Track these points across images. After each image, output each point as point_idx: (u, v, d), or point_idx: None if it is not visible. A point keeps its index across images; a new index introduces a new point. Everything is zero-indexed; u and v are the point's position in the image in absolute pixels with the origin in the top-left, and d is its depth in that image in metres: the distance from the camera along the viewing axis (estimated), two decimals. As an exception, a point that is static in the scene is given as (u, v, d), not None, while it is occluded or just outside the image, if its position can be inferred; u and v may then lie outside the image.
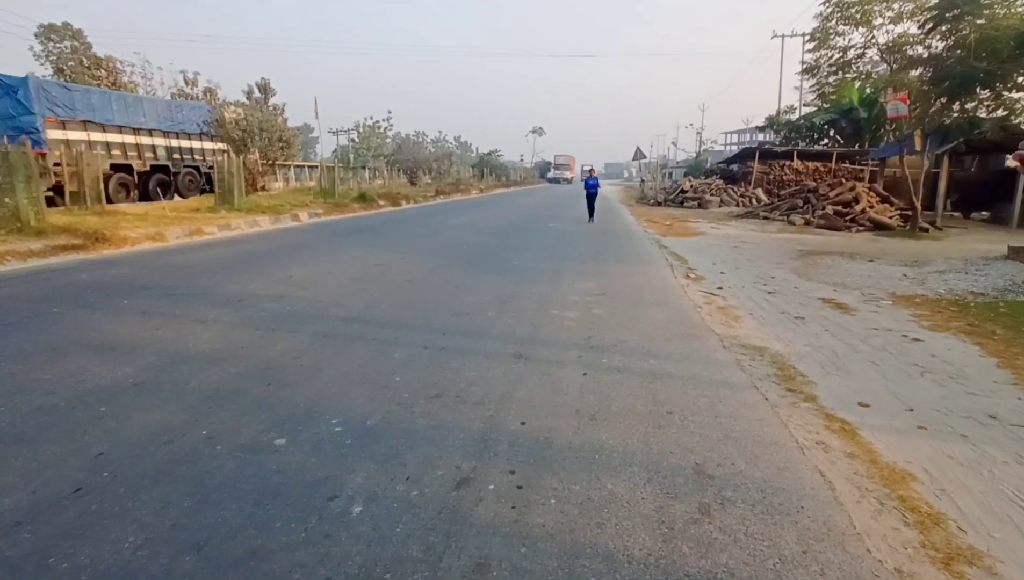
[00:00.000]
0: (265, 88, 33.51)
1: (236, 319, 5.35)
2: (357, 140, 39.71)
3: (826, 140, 31.26)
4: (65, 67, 32.03)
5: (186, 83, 34.61)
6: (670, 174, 42.48)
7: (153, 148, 18.80)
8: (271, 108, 28.34)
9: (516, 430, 3.14)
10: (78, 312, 5.50)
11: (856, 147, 27.46)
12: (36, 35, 32.95)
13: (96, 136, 16.57)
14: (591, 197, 17.14)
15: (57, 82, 19.76)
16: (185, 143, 20.26)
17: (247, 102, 35.78)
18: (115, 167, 17.15)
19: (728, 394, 3.73)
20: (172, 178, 19.47)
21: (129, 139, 17.90)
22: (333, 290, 6.72)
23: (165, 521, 2.29)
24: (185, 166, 20.22)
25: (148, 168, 18.49)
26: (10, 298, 6.06)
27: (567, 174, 76.99)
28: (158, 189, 18.04)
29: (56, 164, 14.26)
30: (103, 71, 32.63)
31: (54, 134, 15.12)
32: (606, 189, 49.39)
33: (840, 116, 28.06)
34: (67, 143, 15.10)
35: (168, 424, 3.13)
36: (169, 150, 19.47)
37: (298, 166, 36.05)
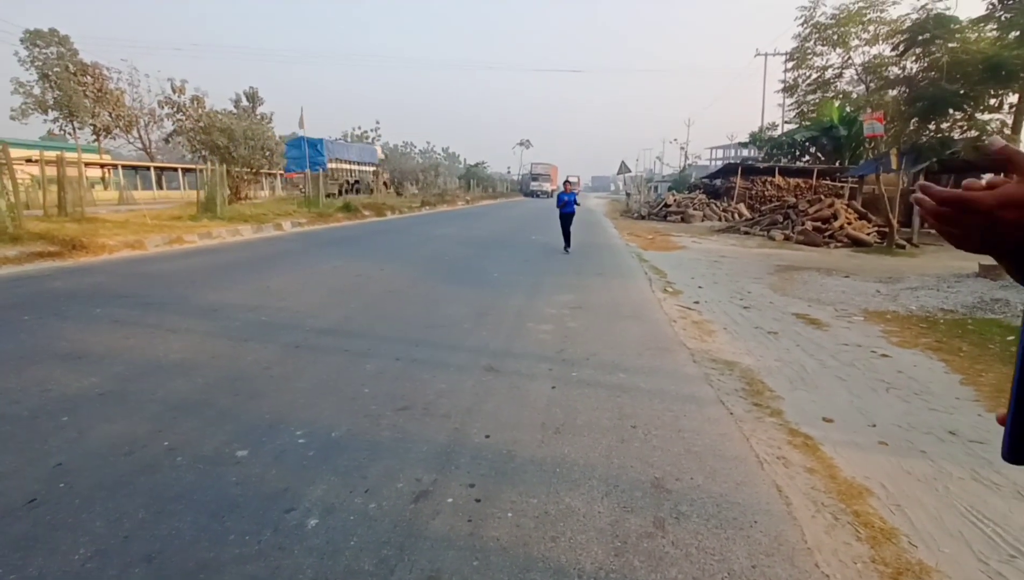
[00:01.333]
0: (253, 97, 33.47)
1: (209, 329, 5.32)
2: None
3: (807, 157, 31.84)
4: (50, 73, 31.71)
5: (173, 91, 34.46)
6: (655, 188, 42.99)
7: (355, 171, 35.60)
8: (259, 117, 28.25)
9: (480, 443, 3.16)
10: (49, 320, 5.44)
11: (836, 164, 27.99)
12: (21, 40, 32.63)
13: (343, 166, 34.02)
14: (566, 218, 12.54)
15: (331, 139, 34.45)
16: (362, 168, 36.98)
17: (234, 111, 35.66)
18: (348, 182, 33.32)
19: (694, 408, 3.77)
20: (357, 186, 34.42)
21: (350, 167, 35.33)
22: (310, 301, 6.70)
23: (118, 533, 2.27)
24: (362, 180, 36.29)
25: (355, 181, 34.58)
26: (-21, 305, 5.97)
27: (547, 186, 64.54)
28: (356, 191, 32.59)
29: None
30: (89, 77, 32.39)
31: (331, 165, 31.28)
32: (592, 202, 49.70)
33: (821, 133, 28.62)
34: (332, 171, 31.26)
35: (130, 435, 3.11)
36: (360, 172, 36.19)
37: (283, 174, 35.89)
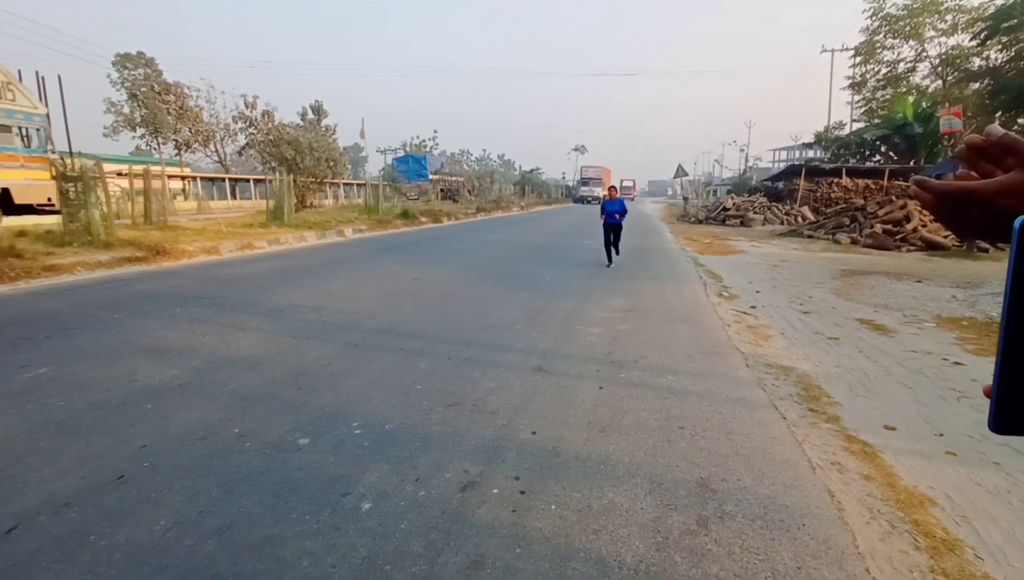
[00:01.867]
0: (318, 110, 34.97)
1: (276, 328, 5.66)
2: (405, 158, 41.01)
3: (878, 156, 30.15)
4: (138, 92, 34.35)
5: (246, 106, 36.47)
6: (714, 192, 41.77)
7: (448, 181, 40.24)
8: (323, 129, 29.56)
9: (527, 439, 3.24)
10: (136, 319, 5.94)
11: (911, 164, 26.39)
12: (113, 63, 35.52)
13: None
14: (610, 229, 10.70)
15: (430, 156, 41.30)
16: (455, 178, 41.59)
17: (301, 123, 37.42)
18: (442, 190, 37.51)
19: (744, 412, 3.72)
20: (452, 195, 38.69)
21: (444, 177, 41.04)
22: (368, 303, 6.99)
23: (194, 508, 2.50)
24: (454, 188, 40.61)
25: (449, 189, 38.94)
26: (79, 305, 6.59)
27: (598, 191, 56.66)
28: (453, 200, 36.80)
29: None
30: (172, 96, 34.84)
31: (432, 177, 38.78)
32: (647, 207, 48.78)
33: (893, 132, 27.06)
34: (434, 181, 36.83)
35: (205, 422, 3.38)
36: (452, 181, 40.42)
37: (346, 184, 37.37)
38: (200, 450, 3.04)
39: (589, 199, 58.99)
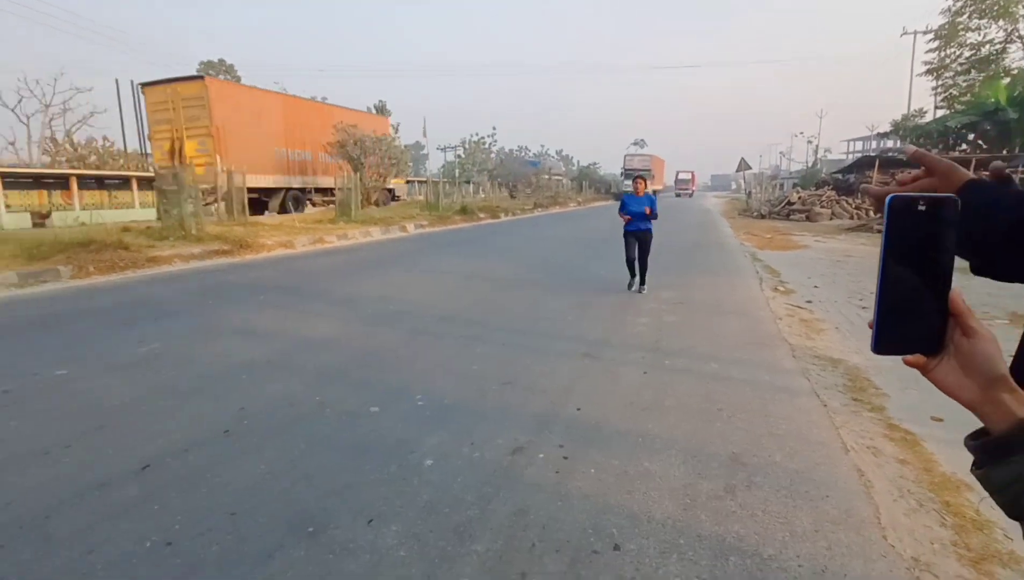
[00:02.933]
0: (381, 110, 36.25)
1: (347, 315, 6.21)
2: (463, 156, 41.80)
3: (964, 145, 28.18)
4: (220, 98, 36.82)
5: (316, 108, 38.40)
6: (780, 185, 40.21)
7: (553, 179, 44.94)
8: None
9: (572, 415, 3.54)
10: (228, 305, 6.65)
11: (1004, 152, 24.53)
12: (197, 71, 38.26)
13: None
14: (635, 239, 7.55)
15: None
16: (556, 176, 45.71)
17: (367, 123, 38.84)
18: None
19: (784, 398, 3.86)
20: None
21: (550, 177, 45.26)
22: (429, 294, 7.47)
23: (286, 458, 2.96)
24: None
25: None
26: (179, 291, 7.42)
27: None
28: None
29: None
30: (249, 100, 37.00)
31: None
32: (709, 201, 47.23)
33: (982, 118, 25.20)
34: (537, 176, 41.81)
35: (291, 392, 3.89)
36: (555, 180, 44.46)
37: (408, 181, 38.59)
38: (288, 414, 3.53)
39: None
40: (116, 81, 31.87)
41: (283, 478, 2.77)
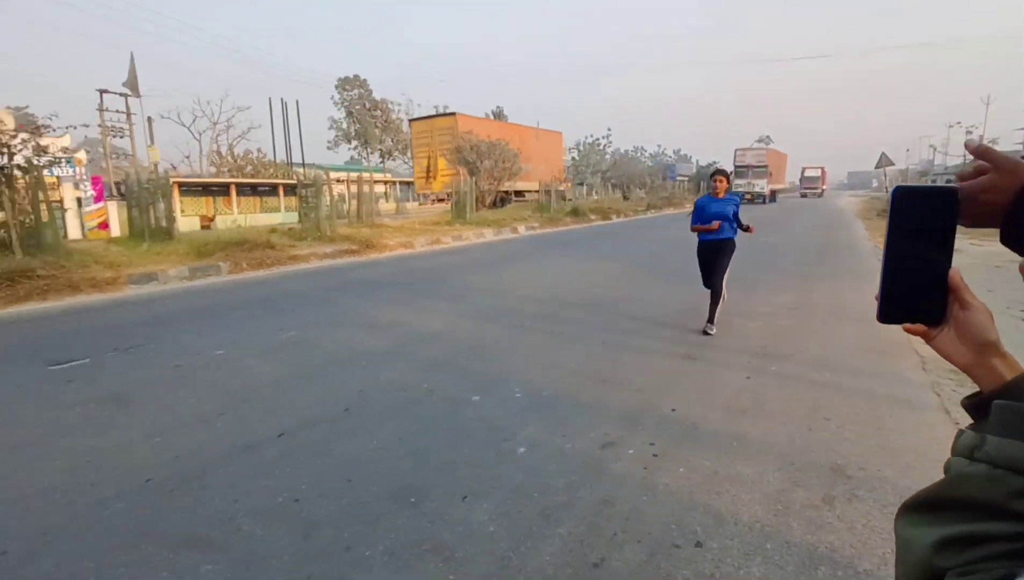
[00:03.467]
0: (498, 115, 37.35)
1: (458, 310, 6.60)
2: (577, 157, 41.86)
3: None
4: (353, 110, 40.17)
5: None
6: (932, 182, 35.56)
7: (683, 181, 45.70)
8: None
9: (666, 414, 3.55)
10: (353, 299, 7.34)
11: None
12: (335, 86, 41.98)
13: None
14: (710, 255, 5.65)
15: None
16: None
17: (484, 128, 40.26)
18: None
19: (905, 412, 3.56)
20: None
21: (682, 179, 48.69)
22: (535, 292, 7.69)
23: (396, 436, 3.29)
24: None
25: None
26: (314, 286, 8.31)
27: (761, 184, 39.51)
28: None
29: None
30: (379, 111, 39.99)
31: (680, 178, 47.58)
32: (843, 201, 42.95)
33: None
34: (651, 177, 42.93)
35: (403, 378, 4.27)
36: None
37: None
38: (400, 398, 3.89)
39: (745, 196, 37.48)
40: (269, 100, 35.96)
41: (392, 453, 3.10)
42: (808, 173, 59.46)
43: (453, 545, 2.30)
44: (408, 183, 41.19)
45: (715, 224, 5.39)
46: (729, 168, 36.30)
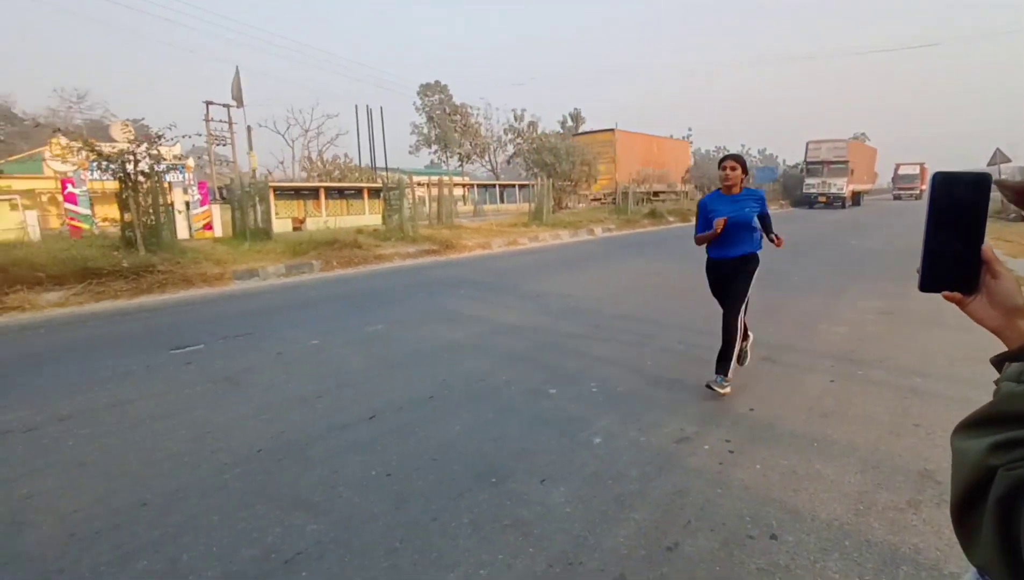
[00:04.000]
0: (576, 117, 37.33)
1: (534, 308, 6.77)
2: (655, 158, 41.15)
3: None
4: (434, 115, 41.51)
5: (515, 119, 41.17)
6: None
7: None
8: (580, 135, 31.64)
9: (743, 413, 3.54)
10: (435, 296, 7.70)
11: None
12: (417, 92, 43.60)
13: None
14: (724, 278, 4.09)
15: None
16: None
17: (561, 131, 40.45)
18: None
19: (1009, 422, 3.35)
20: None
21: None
22: (611, 292, 7.73)
23: (478, 421, 3.50)
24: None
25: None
26: (398, 284, 8.78)
27: (840, 183, 32.70)
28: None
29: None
30: (458, 116, 41.09)
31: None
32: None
33: None
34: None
35: (483, 370, 4.48)
36: None
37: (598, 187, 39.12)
38: (480, 387, 4.10)
39: (819, 198, 33.29)
40: (356, 107, 37.84)
41: (474, 437, 3.30)
42: (903, 171, 50.56)
43: (531, 522, 2.45)
44: (485, 185, 42.07)
45: (718, 224, 3.71)
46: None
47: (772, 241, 3.98)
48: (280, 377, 4.46)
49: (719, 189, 3.98)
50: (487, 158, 44.89)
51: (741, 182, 3.90)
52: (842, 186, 32.43)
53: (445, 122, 41.04)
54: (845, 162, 32.26)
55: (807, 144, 34.28)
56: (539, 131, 38.61)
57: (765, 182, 39.83)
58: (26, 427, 3.55)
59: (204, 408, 3.84)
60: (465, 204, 33.59)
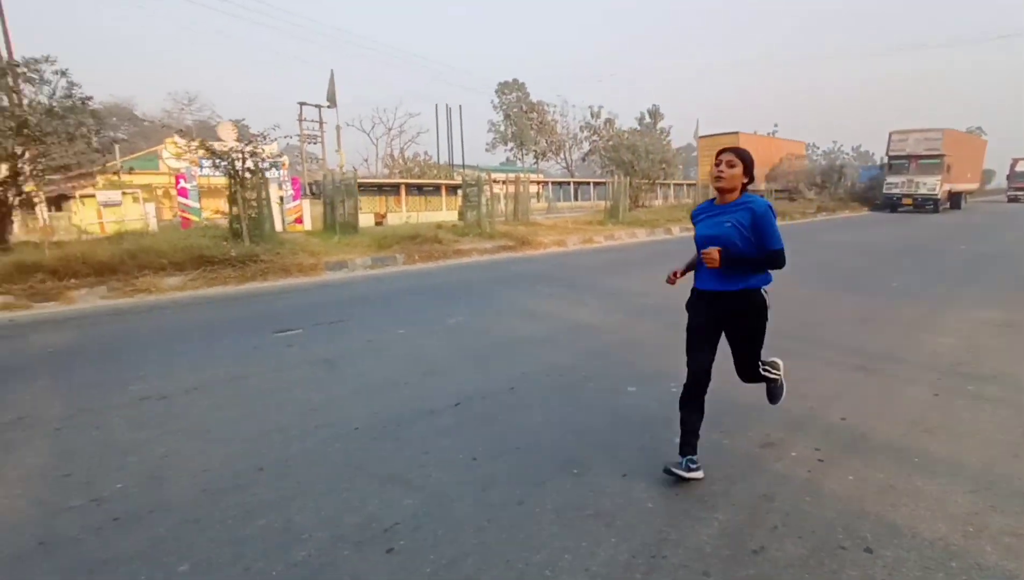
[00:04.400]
0: (654, 114, 36.54)
1: (610, 306, 6.77)
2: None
3: None
4: (510, 113, 41.94)
5: (592, 116, 40.85)
6: None
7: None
8: (658, 132, 30.98)
9: (834, 422, 3.41)
10: (513, 291, 7.85)
11: None
12: (495, 91, 44.19)
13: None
14: (710, 313, 2.99)
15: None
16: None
17: (638, 128, 39.70)
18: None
19: None
20: None
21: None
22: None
23: (558, 414, 3.58)
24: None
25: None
26: (475, 279, 9.01)
27: (930, 184, 27.03)
28: None
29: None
30: (535, 113, 41.27)
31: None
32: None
33: None
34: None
35: (561, 365, 4.56)
36: None
37: (677, 184, 38.13)
38: (559, 381, 4.18)
39: (902, 200, 28.06)
40: (436, 106, 38.92)
41: (555, 429, 3.38)
42: (1021, 168, 41.71)
43: (613, 513, 2.50)
44: (560, 183, 42.03)
45: (711, 254, 2.69)
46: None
47: (772, 264, 2.78)
48: (371, 362, 4.74)
49: (713, 200, 2.94)
50: (562, 155, 44.81)
51: (742, 187, 2.75)
52: (934, 185, 27.09)
53: (522, 120, 41.36)
54: (939, 157, 26.91)
55: (890, 135, 28.83)
56: (615, 128, 38.09)
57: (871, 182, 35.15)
58: (160, 395, 4.00)
59: (306, 387, 4.16)
60: (539, 201, 33.72)
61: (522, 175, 20.65)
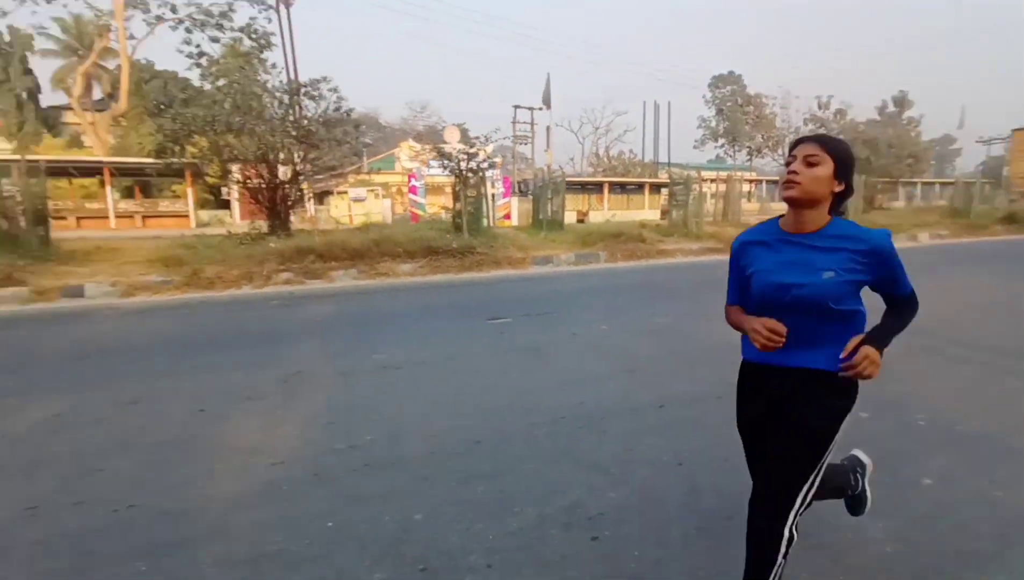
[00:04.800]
0: (901, 101, 31.27)
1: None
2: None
3: None
4: (724, 108, 39.39)
5: (819, 107, 36.36)
6: None
7: None
8: (904, 122, 26.44)
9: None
10: (719, 295, 7.43)
11: None
12: (708, 85, 41.89)
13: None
14: (766, 401, 1.85)
15: None
16: None
17: (878, 118, 34.31)
18: None
19: None
20: None
21: None
22: (942, 311, 6.37)
23: (634, 438, 3.31)
24: None
25: None
26: (681, 280, 8.76)
27: None
28: None
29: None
30: (751, 107, 38.21)
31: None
32: None
33: None
34: None
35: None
36: None
37: (926, 183, 32.03)
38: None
39: None
40: (643, 104, 38.36)
41: (636, 453, 3.13)
42: None
43: (842, 550, 2.27)
44: (774, 182, 38.35)
45: (778, 333, 1.61)
46: None
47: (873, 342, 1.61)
48: (575, 355, 4.92)
49: (780, 217, 1.77)
50: (780, 151, 40.71)
51: (832, 199, 1.66)
52: None
53: (736, 114, 38.53)
54: None
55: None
56: (847, 119, 33.30)
57: None
58: (396, 366, 4.67)
59: (516, 372, 4.49)
60: (750, 201, 31.22)
61: (736, 173, 19.33)
